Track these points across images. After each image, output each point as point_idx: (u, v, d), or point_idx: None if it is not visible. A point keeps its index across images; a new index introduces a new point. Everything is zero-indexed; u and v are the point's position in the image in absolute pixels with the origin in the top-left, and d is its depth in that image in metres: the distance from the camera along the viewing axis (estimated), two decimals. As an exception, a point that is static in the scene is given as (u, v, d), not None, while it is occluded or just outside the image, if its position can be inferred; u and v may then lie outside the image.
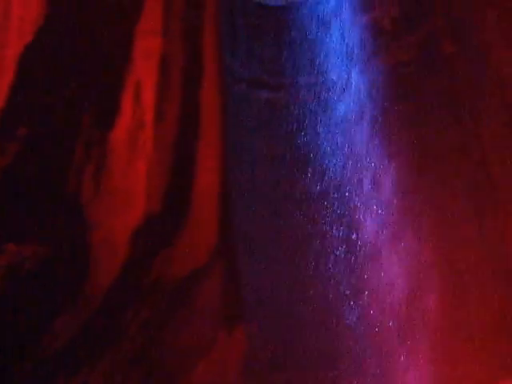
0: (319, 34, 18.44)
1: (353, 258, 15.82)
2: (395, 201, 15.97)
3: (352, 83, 17.99)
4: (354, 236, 16.03)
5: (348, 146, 17.08)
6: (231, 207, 10.67)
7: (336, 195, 16.55)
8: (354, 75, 18.07)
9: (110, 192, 8.60)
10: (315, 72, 18.06)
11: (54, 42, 8.66)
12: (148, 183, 8.92)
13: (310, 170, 16.91)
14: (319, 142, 17.42)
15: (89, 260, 8.30)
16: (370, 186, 16.63)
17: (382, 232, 15.91)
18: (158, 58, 9.60)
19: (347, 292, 15.52)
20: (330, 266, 15.73)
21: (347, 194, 16.58)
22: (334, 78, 18.09)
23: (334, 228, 16.20)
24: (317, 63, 18.16)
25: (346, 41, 18.28)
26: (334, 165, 16.92)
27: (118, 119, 8.97)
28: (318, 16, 18.66)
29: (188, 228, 9.37)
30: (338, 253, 15.89)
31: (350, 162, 16.89)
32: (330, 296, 15.24)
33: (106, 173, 8.63)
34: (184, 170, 9.62)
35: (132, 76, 9.25)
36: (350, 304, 15.44)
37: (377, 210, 16.22)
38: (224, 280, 10.57)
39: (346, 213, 16.33)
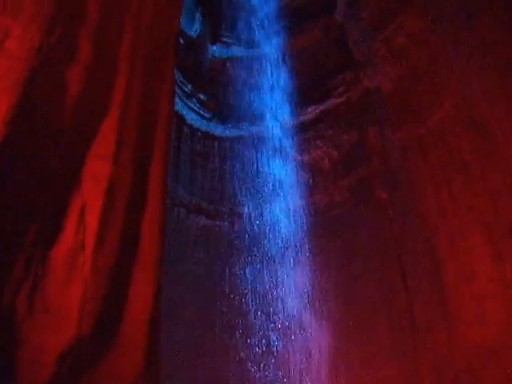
0: (259, 166, 19.42)
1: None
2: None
3: (288, 218, 18.82)
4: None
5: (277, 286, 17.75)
6: (160, 333, 10.84)
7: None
8: (291, 210, 18.93)
9: (43, 311, 8.70)
10: (252, 203, 18.85)
11: (3, 160, 8.92)
12: (82, 306, 9.09)
13: (235, 297, 17.40)
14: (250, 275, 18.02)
15: (13, 378, 8.30)
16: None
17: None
18: (105, 183, 10.04)
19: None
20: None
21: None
22: (270, 210, 18.93)
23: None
24: (255, 194, 19.00)
25: (285, 176, 19.27)
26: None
27: (60, 240, 9.24)
28: (261, 149, 19.70)
29: (115, 354, 9.48)
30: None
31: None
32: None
33: (42, 292, 8.77)
34: (118, 295, 9.85)
35: (78, 199, 9.63)
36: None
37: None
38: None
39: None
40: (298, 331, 17.42)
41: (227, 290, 17.67)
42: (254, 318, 17.52)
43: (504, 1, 13.12)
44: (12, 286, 8.48)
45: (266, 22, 22.35)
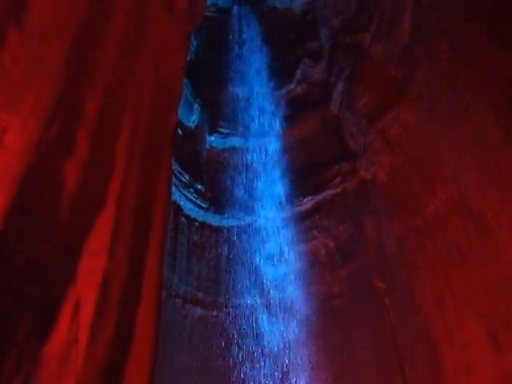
0: (256, 256, 19.61)
1: None
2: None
3: (286, 308, 18.83)
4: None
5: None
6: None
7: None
8: (288, 300, 18.96)
9: (34, 408, 8.69)
10: (249, 294, 18.91)
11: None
12: (74, 402, 9.06)
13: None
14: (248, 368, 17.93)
15: None
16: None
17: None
18: (100, 277, 10.17)
19: None
20: None
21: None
22: (267, 300, 18.98)
23: None
24: (252, 285, 19.07)
25: (282, 266, 19.41)
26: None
27: (54, 334, 9.29)
28: (257, 240, 19.90)
29: None
30: None
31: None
32: None
33: (33, 386, 8.77)
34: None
35: (73, 293, 9.74)
36: None
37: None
38: None
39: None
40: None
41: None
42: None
43: (500, 101, 13.51)
44: (3, 382, 8.47)
45: (264, 112, 22.99)
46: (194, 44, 23.80)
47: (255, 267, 19.59)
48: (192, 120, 21.93)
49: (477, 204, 14.33)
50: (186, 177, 20.06)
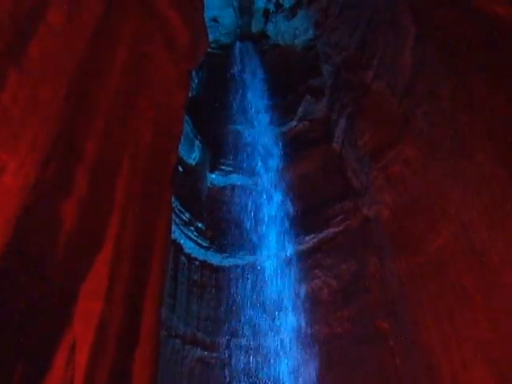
0: (257, 297, 19.51)
1: None
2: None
3: (286, 349, 18.70)
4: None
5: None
6: None
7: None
8: (289, 341, 18.83)
9: None
10: (250, 335, 18.80)
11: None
12: None
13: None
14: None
15: None
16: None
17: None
18: (97, 320, 10.14)
19: None
20: None
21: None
22: (268, 341, 18.86)
23: None
24: (253, 326, 18.99)
25: (283, 306, 19.34)
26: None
27: (49, 377, 9.23)
28: (258, 280, 19.85)
29: None
30: None
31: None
32: None
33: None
34: None
35: (69, 336, 9.70)
36: None
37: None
38: None
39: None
40: None
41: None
42: None
43: (502, 140, 13.58)
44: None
45: (266, 149, 23.08)
46: (196, 80, 24.02)
47: (256, 306, 19.46)
48: (193, 157, 22.00)
49: (481, 243, 14.28)
50: (187, 215, 20.04)
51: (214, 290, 19.91)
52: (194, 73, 21.73)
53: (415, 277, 16.53)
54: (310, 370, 18.18)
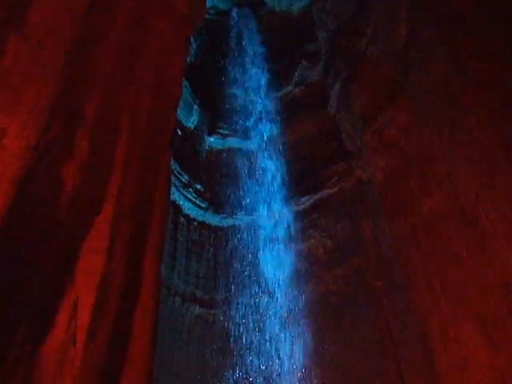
0: (254, 256, 19.58)
1: None
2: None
3: (283, 307, 18.79)
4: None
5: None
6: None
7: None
8: (286, 298, 18.91)
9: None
10: (247, 293, 18.88)
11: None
12: (71, 401, 9.03)
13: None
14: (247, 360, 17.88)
15: None
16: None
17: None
18: (98, 278, 10.15)
19: None
20: None
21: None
22: (265, 299, 18.94)
23: None
24: (250, 284, 19.04)
25: (279, 265, 19.36)
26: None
27: (52, 334, 9.27)
28: (255, 239, 19.89)
29: None
30: None
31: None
32: None
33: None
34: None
35: (71, 293, 9.73)
36: None
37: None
38: None
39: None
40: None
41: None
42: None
43: (493, 105, 13.52)
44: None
45: (262, 113, 22.96)
46: (194, 46, 23.75)
47: (254, 266, 19.54)
48: (191, 121, 21.86)
49: (471, 207, 14.25)
50: (186, 177, 20.00)
51: (212, 250, 19.97)
52: (192, 39, 21.46)
53: (408, 238, 16.53)
54: (306, 327, 18.31)
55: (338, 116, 20.79)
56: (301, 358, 17.83)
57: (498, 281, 13.47)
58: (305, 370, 17.60)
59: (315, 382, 17.31)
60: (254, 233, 20.22)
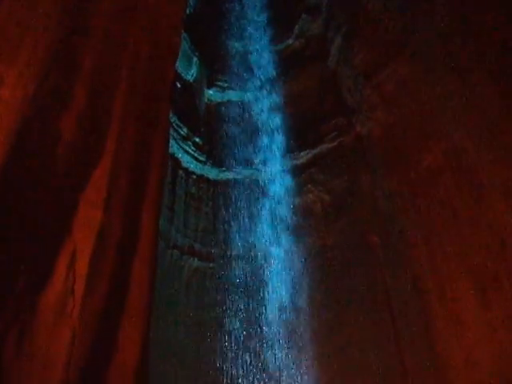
0: (252, 209, 19.56)
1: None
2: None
3: (281, 261, 18.90)
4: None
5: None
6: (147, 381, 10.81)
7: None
8: (284, 252, 19.01)
9: (30, 356, 8.76)
10: (246, 246, 18.97)
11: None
12: (69, 351, 9.13)
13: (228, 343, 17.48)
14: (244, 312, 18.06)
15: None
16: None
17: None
18: (96, 229, 10.17)
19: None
20: None
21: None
22: (263, 253, 19.03)
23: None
24: (248, 237, 19.11)
25: (277, 219, 19.38)
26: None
27: (50, 285, 9.34)
28: (254, 193, 19.86)
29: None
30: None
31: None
32: None
33: (30, 336, 8.83)
34: (106, 341, 9.90)
35: (69, 244, 9.77)
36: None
37: None
38: None
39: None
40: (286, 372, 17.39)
41: (219, 336, 17.65)
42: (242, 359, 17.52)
43: (494, 61, 13.40)
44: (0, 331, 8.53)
45: (262, 66, 22.72)
46: (193, -3, 23.39)
47: (251, 218, 19.58)
48: (191, 73, 21.61)
49: (470, 163, 14.23)
50: (185, 130, 19.85)
51: (210, 203, 19.95)
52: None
53: (405, 193, 16.53)
54: (303, 279, 18.44)
55: (339, 70, 20.56)
56: (298, 307, 18.02)
57: (494, 237, 13.54)
58: (301, 318, 17.80)
59: (311, 330, 17.52)
60: (252, 186, 20.19)
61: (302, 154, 20.52)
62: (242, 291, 18.38)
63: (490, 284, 13.53)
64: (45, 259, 9.44)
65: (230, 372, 17.10)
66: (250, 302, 18.28)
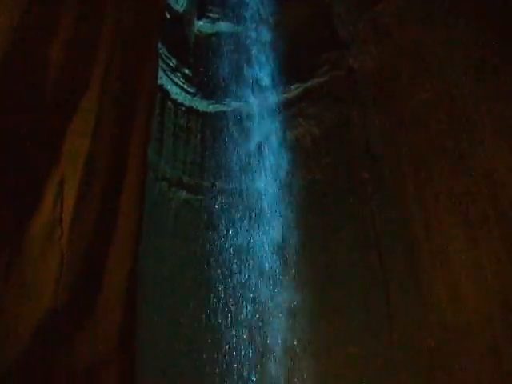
0: (242, 142, 19.49)
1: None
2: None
3: (270, 194, 18.95)
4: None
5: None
6: (136, 309, 10.98)
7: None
8: (272, 186, 19.04)
9: (19, 284, 8.86)
10: (234, 179, 18.97)
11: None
12: (57, 278, 9.24)
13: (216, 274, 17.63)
14: (233, 246, 18.18)
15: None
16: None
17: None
18: (84, 158, 10.15)
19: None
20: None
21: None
22: (252, 186, 19.05)
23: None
24: (237, 170, 19.10)
25: (266, 153, 19.35)
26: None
27: (37, 213, 9.35)
28: (243, 126, 19.75)
29: (91, 328, 9.67)
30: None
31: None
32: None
33: (18, 264, 8.90)
34: (94, 268, 10.02)
35: (56, 173, 9.74)
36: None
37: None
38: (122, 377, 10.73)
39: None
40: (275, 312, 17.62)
41: (206, 267, 17.82)
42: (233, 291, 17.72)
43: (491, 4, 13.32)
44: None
45: (253, -2, 22.30)
46: None
47: (240, 152, 19.52)
48: (180, 3, 21.14)
49: (463, 102, 14.24)
50: (174, 61, 19.52)
51: (199, 136, 19.80)
52: None
53: (397, 129, 16.50)
54: (295, 215, 18.49)
55: (332, 2, 20.22)
56: (290, 243, 18.15)
57: (484, 177, 13.65)
58: (289, 254, 17.96)
59: (300, 266, 17.70)
60: (242, 119, 20.07)
61: (292, 87, 20.29)
62: (231, 224, 18.49)
63: (478, 221, 13.70)
64: (32, 189, 9.41)
65: (218, 302, 17.35)
66: (239, 235, 18.41)
